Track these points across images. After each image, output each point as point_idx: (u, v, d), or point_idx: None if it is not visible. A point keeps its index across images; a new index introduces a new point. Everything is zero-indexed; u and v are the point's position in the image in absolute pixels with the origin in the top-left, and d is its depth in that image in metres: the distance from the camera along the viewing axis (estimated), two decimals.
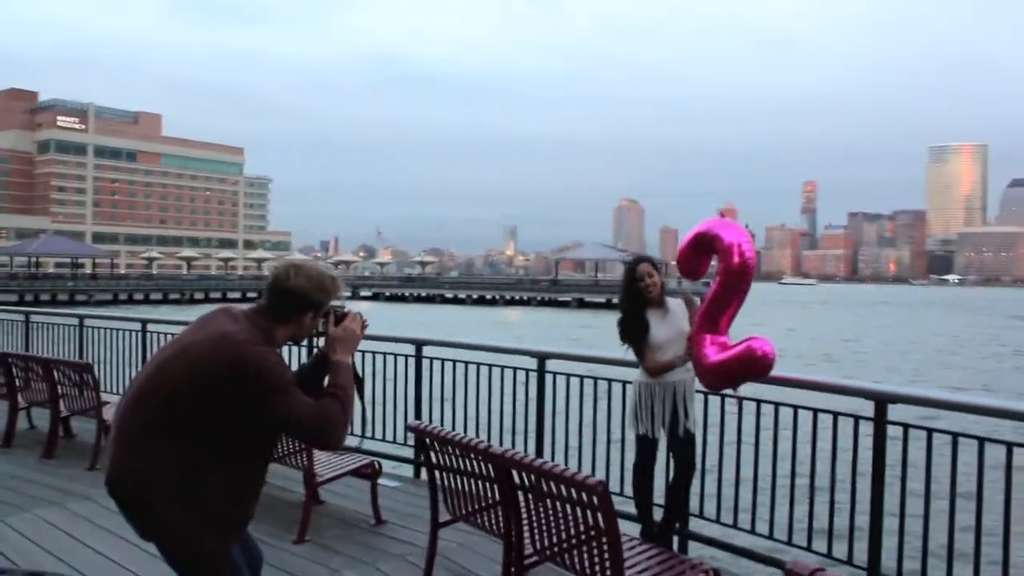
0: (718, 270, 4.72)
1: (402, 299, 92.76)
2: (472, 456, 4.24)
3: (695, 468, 5.28)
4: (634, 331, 5.19)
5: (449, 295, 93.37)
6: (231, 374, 2.77)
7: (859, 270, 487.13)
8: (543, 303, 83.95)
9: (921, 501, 4.34)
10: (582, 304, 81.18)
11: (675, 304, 5.25)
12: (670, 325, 5.15)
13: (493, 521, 4.35)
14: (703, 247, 4.89)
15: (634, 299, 5.24)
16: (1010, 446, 4.06)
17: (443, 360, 7.29)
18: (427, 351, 7.40)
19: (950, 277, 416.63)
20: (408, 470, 7.44)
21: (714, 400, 5.40)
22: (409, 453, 7.47)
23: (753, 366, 4.55)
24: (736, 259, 4.61)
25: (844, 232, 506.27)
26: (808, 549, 4.89)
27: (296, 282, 3.00)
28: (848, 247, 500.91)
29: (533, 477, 3.82)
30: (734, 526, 5.34)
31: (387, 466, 6.79)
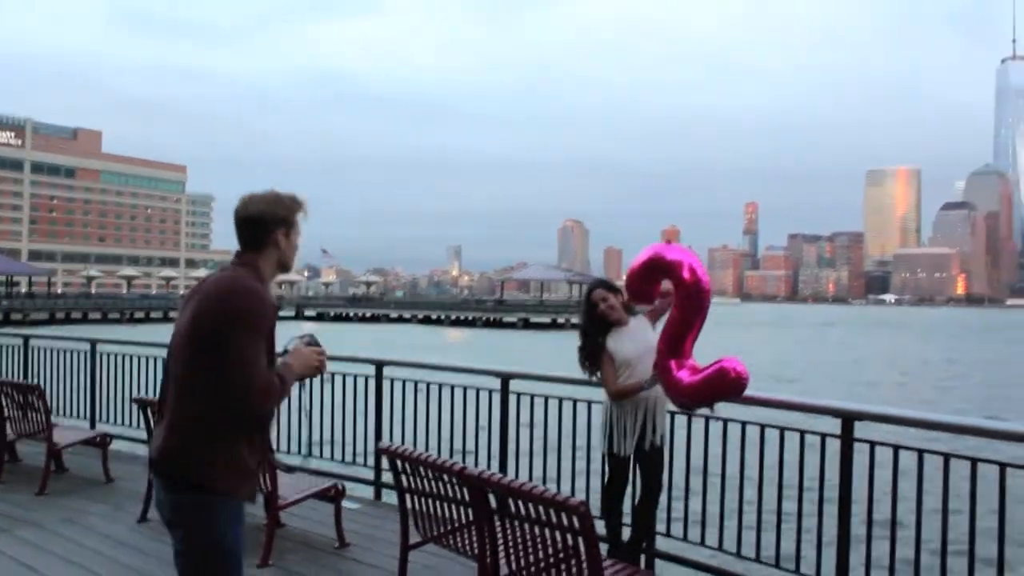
0: (674, 295, 4.72)
1: (347, 319, 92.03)
2: (446, 477, 4.20)
3: (662, 486, 5.31)
4: (594, 357, 5.23)
5: (394, 315, 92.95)
6: (213, 298, 2.93)
7: (799, 290, 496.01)
8: (489, 323, 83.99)
9: (888, 517, 4.41)
10: (528, 324, 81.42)
11: (638, 319, 5.29)
12: (636, 340, 5.17)
13: (466, 542, 4.32)
14: (654, 271, 4.89)
15: (595, 324, 5.26)
16: (974, 461, 4.15)
17: (404, 380, 7.22)
18: (387, 371, 7.32)
19: (887, 297, 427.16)
20: (368, 491, 7.32)
21: (680, 419, 5.42)
22: (368, 474, 7.38)
23: (727, 386, 4.57)
24: (691, 282, 4.64)
25: (784, 253, 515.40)
26: (776, 566, 4.92)
27: (253, 207, 3.08)
28: (789, 268, 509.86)
29: (510, 497, 3.79)
30: (701, 544, 5.36)
31: (347, 487, 6.69)
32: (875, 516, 4.46)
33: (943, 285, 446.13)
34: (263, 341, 2.93)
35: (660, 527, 5.55)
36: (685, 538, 5.48)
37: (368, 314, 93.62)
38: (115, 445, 8.19)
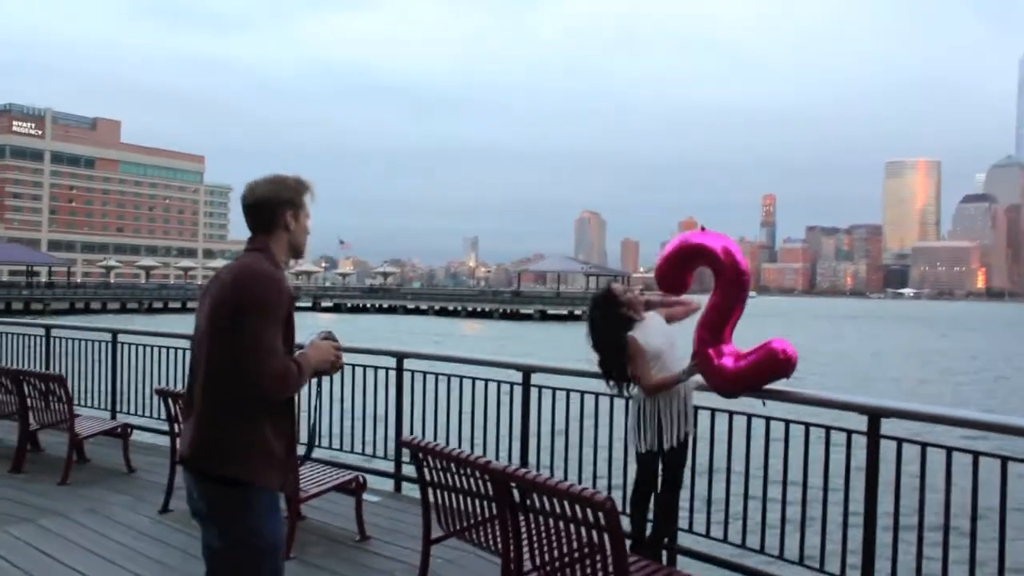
0: (716, 282, 4.70)
1: (364, 310, 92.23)
2: (470, 471, 4.18)
3: (683, 482, 5.25)
4: (622, 366, 5.04)
5: (411, 306, 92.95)
6: (231, 283, 2.96)
7: (817, 283, 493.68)
8: (505, 315, 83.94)
9: (915, 515, 4.35)
10: (544, 316, 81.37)
11: (650, 315, 5.19)
12: (661, 332, 5.10)
13: (489, 537, 4.30)
14: (692, 258, 4.86)
15: (618, 325, 5.06)
16: (1005, 460, 4.09)
17: (424, 373, 7.20)
18: (408, 363, 7.30)
19: (905, 291, 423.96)
20: (387, 484, 7.32)
21: (703, 415, 5.38)
22: (388, 467, 7.39)
23: (778, 367, 4.60)
24: (733, 266, 4.64)
25: (802, 246, 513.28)
26: (800, 563, 4.89)
27: (259, 190, 3.10)
28: (806, 260, 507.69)
29: (535, 493, 3.77)
30: (724, 540, 5.32)
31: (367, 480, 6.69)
32: (902, 515, 4.41)
33: (963, 279, 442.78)
34: (279, 326, 2.93)
35: (682, 523, 5.51)
36: (708, 535, 5.45)
37: (385, 305, 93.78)
38: (136, 436, 8.23)
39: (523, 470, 3.99)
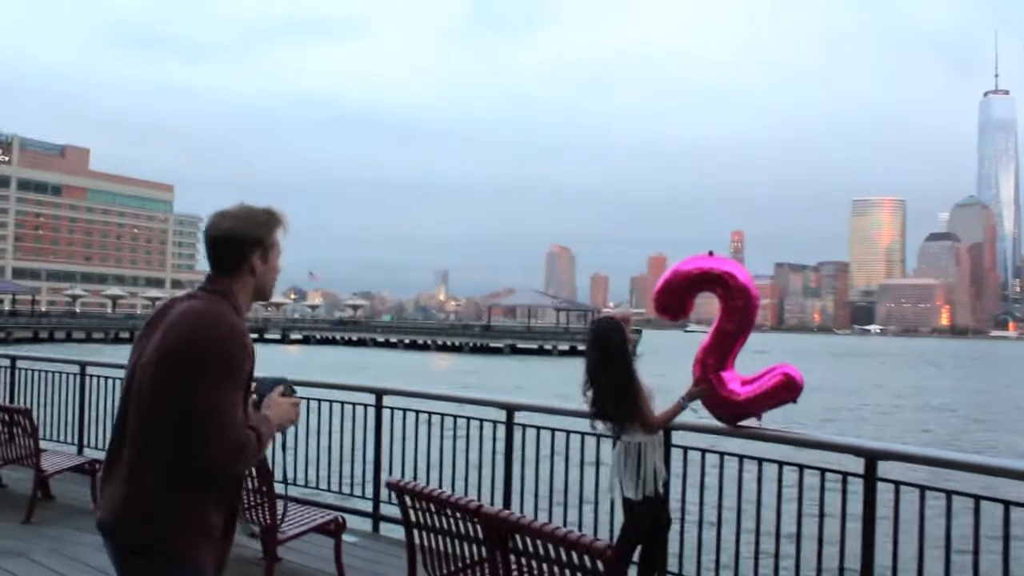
0: (724, 307, 4.62)
1: (333, 342, 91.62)
2: (460, 515, 4.02)
3: (670, 523, 5.11)
4: (624, 400, 4.70)
5: (381, 339, 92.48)
6: (183, 335, 2.54)
7: (785, 319, 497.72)
8: (475, 349, 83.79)
9: (914, 560, 4.26)
10: (514, 350, 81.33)
11: None
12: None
13: None
14: (701, 282, 4.73)
15: (630, 363, 4.74)
16: (1008, 504, 4.01)
17: (404, 410, 7.05)
18: (388, 400, 7.14)
19: (872, 327, 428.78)
20: (366, 523, 7.12)
21: (693, 456, 5.27)
22: (366, 506, 7.19)
23: (789, 391, 4.57)
24: (746, 294, 4.59)
25: (770, 282, 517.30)
26: None
27: (225, 225, 2.72)
28: (774, 296, 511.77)
29: (530, 538, 3.62)
30: None
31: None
32: (900, 560, 4.32)
33: (928, 316, 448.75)
34: (240, 391, 2.58)
35: (672, 565, 5.38)
36: None
37: (355, 338, 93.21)
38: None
39: (516, 514, 3.84)
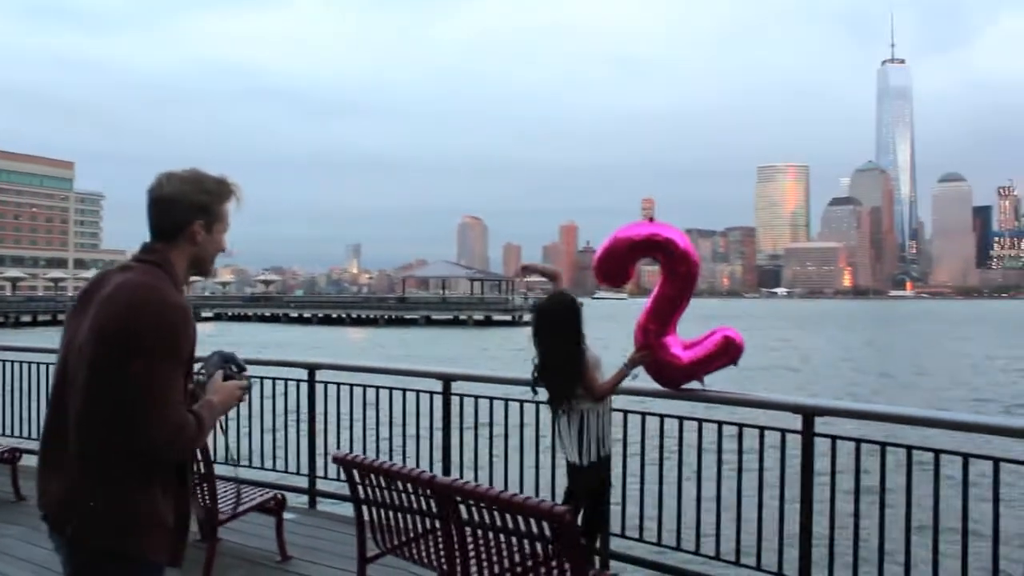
0: (666, 273, 4.64)
1: (246, 319, 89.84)
2: (411, 486, 4.00)
3: (610, 484, 5.14)
4: (579, 377, 4.52)
5: (294, 314, 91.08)
6: (124, 328, 2.37)
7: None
8: (391, 321, 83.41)
9: (851, 512, 4.42)
10: (430, 322, 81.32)
11: None
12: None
13: (431, 552, 4.13)
14: (644, 248, 4.72)
15: (579, 339, 4.52)
16: (937, 453, 4.19)
17: (339, 384, 6.95)
18: (320, 375, 7.04)
19: (779, 290, 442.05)
20: (302, 499, 7.02)
21: (634, 419, 5.35)
22: (302, 482, 7.09)
23: (731, 355, 4.65)
24: (688, 259, 4.63)
25: None
26: (737, 563, 4.90)
27: (170, 187, 2.55)
28: None
29: (484, 505, 3.63)
30: (658, 543, 5.29)
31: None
32: (837, 511, 4.47)
33: (831, 278, 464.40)
34: (180, 369, 2.43)
35: (615, 527, 5.45)
36: (641, 538, 5.41)
37: (267, 314, 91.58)
38: (23, 460, 7.66)
39: (471, 483, 3.84)
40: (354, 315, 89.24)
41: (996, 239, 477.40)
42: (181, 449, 2.47)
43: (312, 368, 7.04)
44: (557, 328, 4.51)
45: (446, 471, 6.21)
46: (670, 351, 4.63)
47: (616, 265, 4.74)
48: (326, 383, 6.98)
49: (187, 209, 2.55)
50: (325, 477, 6.91)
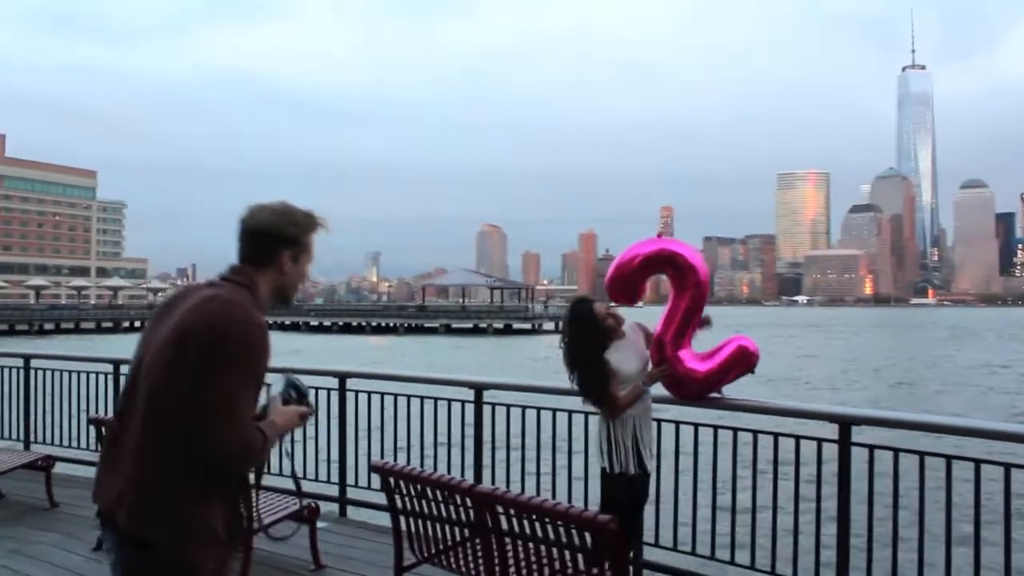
0: (684, 286, 4.67)
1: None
2: (450, 494, 4.02)
3: (648, 496, 5.15)
4: (601, 382, 4.61)
5: (314, 323, 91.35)
6: (202, 325, 2.47)
7: (715, 292, 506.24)
8: (410, 329, 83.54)
9: (889, 523, 4.39)
10: (449, 330, 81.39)
11: (629, 328, 4.89)
12: (634, 353, 4.88)
13: (468, 562, 4.14)
14: (657, 265, 4.77)
15: (602, 345, 4.64)
16: (978, 463, 4.16)
17: (369, 392, 6.98)
18: (351, 383, 7.07)
19: (799, 298, 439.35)
20: (332, 508, 7.04)
21: (667, 427, 5.33)
22: (332, 490, 7.12)
23: (747, 363, 4.68)
24: (699, 275, 4.65)
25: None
26: (772, 573, 4.87)
27: (262, 217, 2.69)
28: None
29: (526, 514, 3.64)
30: (692, 553, 5.28)
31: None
32: (875, 522, 4.44)
33: (852, 286, 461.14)
34: (254, 386, 2.53)
35: (648, 536, 5.44)
36: (675, 548, 5.39)
37: (287, 322, 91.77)
38: (56, 468, 7.73)
39: (512, 492, 3.85)
40: (374, 323, 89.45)
41: (1019, 246, 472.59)
42: (244, 462, 2.55)
43: (343, 376, 7.07)
44: (576, 333, 4.64)
45: (477, 479, 6.22)
46: (686, 364, 4.67)
47: (627, 283, 4.83)
48: (357, 392, 7.01)
49: (277, 240, 2.68)
50: (356, 485, 6.94)
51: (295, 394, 2.83)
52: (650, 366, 4.72)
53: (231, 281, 2.63)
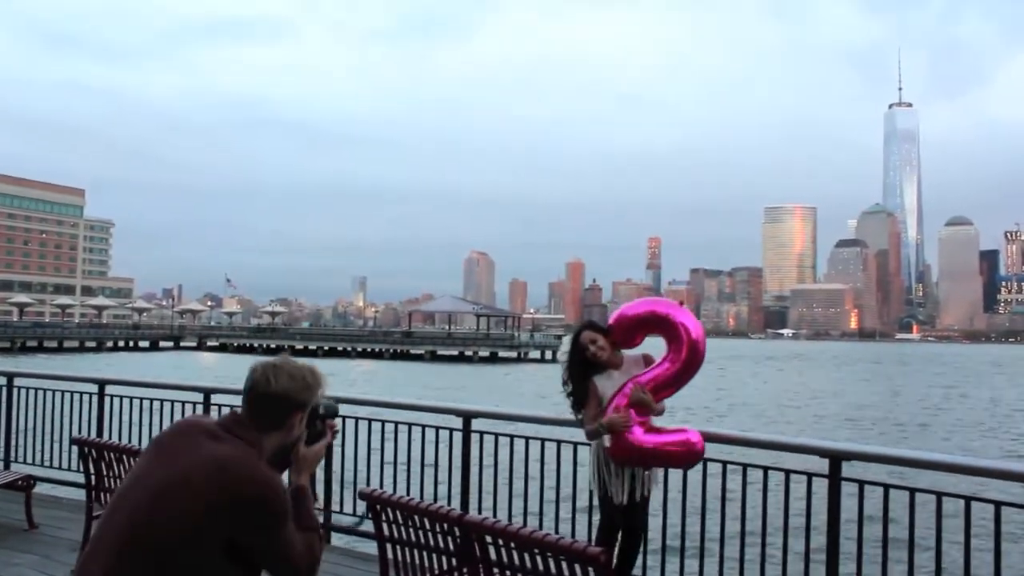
0: (677, 353, 4.73)
1: (251, 350, 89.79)
2: (438, 524, 3.97)
3: (645, 532, 5.14)
4: (580, 398, 5.05)
5: (300, 346, 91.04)
6: (242, 502, 2.49)
7: (701, 324, 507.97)
8: (396, 355, 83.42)
9: (878, 558, 4.37)
10: (435, 357, 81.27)
11: (631, 360, 5.08)
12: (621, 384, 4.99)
13: None
14: (653, 324, 4.92)
15: (583, 368, 5.05)
16: (968, 500, 4.15)
17: (356, 419, 6.94)
18: (340, 410, 7.00)
19: (785, 331, 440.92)
20: None
21: None
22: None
23: (685, 458, 4.73)
24: (696, 345, 4.70)
25: (687, 287, 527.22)
26: None
27: (279, 385, 2.71)
28: (691, 301, 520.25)
29: (515, 546, 3.60)
30: None
31: None
32: (865, 557, 4.42)
33: (837, 319, 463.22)
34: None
35: (636, 568, 5.40)
36: None
37: (273, 345, 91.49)
38: (37, 488, 7.63)
39: (502, 522, 3.81)
40: (359, 348, 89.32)
41: (1003, 283, 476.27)
42: (319, 552, 2.74)
43: (336, 406, 7.00)
44: (567, 355, 5.13)
45: (464, 507, 6.18)
46: (634, 432, 4.71)
47: (627, 331, 5.01)
48: (344, 417, 6.95)
49: (293, 405, 2.74)
50: (340, 511, 6.87)
51: (320, 425, 2.90)
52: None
53: (239, 437, 2.64)
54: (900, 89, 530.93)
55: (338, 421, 2.95)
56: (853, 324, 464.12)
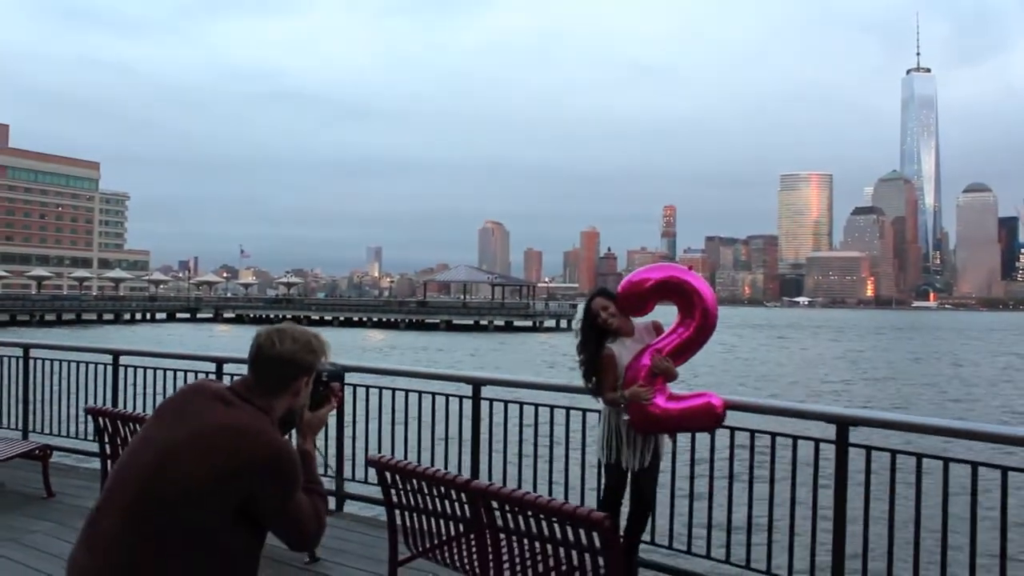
0: (691, 319, 4.70)
1: (267, 321, 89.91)
2: (446, 490, 4.01)
3: (655, 499, 5.14)
4: (593, 365, 5.00)
5: (315, 317, 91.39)
6: (256, 468, 2.51)
7: (716, 292, 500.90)
8: (411, 325, 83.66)
9: (884, 523, 4.38)
10: (450, 326, 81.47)
11: (642, 328, 5.08)
12: (635, 352, 4.98)
13: (463, 556, 4.13)
14: (667, 291, 4.85)
15: (596, 334, 5.01)
16: (975, 465, 4.15)
17: (368, 387, 6.98)
18: (350, 378, 7.06)
19: (800, 299, 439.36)
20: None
21: None
22: (328, 484, 7.11)
23: (708, 422, 4.72)
24: (710, 311, 4.66)
25: (702, 256, 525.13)
26: (767, 573, 4.86)
27: (283, 347, 2.73)
28: (706, 270, 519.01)
29: (521, 510, 3.64)
30: (688, 552, 5.27)
31: None
32: (872, 522, 4.44)
33: (854, 287, 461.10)
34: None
35: (644, 535, 5.44)
36: (671, 547, 5.39)
37: (289, 316, 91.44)
38: (53, 458, 7.74)
39: (507, 488, 3.85)
40: (375, 318, 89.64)
41: (1022, 250, 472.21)
42: (325, 517, 2.76)
43: (341, 370, 7.05)
44: (581, 322, 5.12)
45: (474, 475, 6.22)
46: (657, 399, 4.70)
47: (635, 300, 4.96)
48: (355, 386, 7.00)
49: (299, 368, 2.73)
50: (352, 479, 6.94)
51: (324, 390, 2.91)
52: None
53: (253, 404, 2.66)
54: (918, 55, 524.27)
55: (342, 388, 2.94)
56: (869, 292, 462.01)
